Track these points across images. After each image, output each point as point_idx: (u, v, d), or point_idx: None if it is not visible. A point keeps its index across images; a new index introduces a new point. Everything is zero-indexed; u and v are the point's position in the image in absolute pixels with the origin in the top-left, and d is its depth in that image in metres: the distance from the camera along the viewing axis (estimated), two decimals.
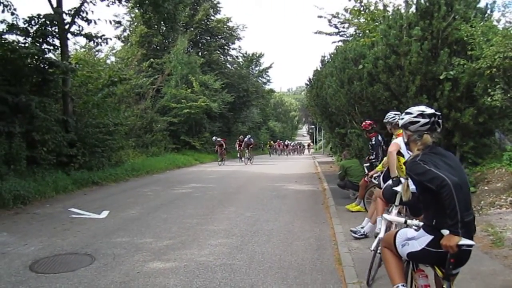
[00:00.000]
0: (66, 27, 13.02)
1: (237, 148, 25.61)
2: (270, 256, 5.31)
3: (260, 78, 45.91)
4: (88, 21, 12.76)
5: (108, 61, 23.00)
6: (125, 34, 33.37)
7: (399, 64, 8.03)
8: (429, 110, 2.79)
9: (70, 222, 7.23)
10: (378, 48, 8.32)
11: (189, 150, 27.30)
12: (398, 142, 4.98)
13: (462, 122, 7.75)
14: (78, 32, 13.08)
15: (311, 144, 63.74)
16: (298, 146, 58.16)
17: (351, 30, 15.48)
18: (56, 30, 12.67)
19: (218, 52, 36.78)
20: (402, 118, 2.90)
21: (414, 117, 2.78)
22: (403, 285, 2.92)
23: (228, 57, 39.20)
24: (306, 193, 10.97)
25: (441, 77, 7.57)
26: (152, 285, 4.29)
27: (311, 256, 5.34)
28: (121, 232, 6.54)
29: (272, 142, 48.49)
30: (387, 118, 6.02)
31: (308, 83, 18.98)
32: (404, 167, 4.60)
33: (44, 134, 11.09)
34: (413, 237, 2.75)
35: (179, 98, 27.10)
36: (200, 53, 34.66)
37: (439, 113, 2.80)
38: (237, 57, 40.59)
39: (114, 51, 30.13)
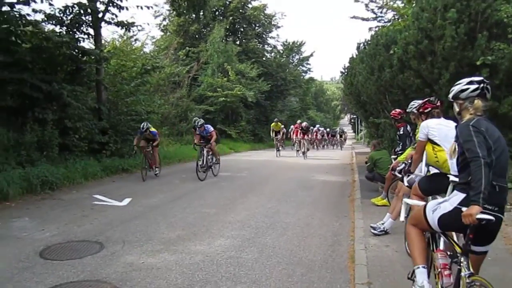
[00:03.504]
0: (100, 15, 13.16)
1: (193, 144, 12.12)
2: (281, 250, 5.11)
3: (300, 67, 45.31)
4: (120, 8, 12.84)
5: (147, 50, 23.36)
6: (165, 23, 33.79)
7: (432, 50, 7.47)
8: (478, 78, 2.95)
9: (91, 208, 7.32)
10: (409, 32, 7.78)
11: (225, 139, 27.36)
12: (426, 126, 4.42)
13: (501, 112, 7.14)
14: (111, 20, 13.19)
15: (346, 132, 45.13)
16: (338, 135, 37.21)
17: (389, 15, 14.77)
18: (90, 19, 12.83)
19: (256, 40, 36.37)
20: (452, 90, 3.02)
21: (464, 85, 2.92)
22: (424, 267, 2.97)
23: (266, 45, 38.73)
24: (334, 185, 10.62)
25: (478, 63, 6.99)
26: (153, 276, 4.20)
27: (324, 252, 5.08)
28: (137, 220, 6.53)
29: (279, 123, 22.14)
30: (410, 108, 5.62)
31: (343, 71, 18.39)
32: (439, 157, 4.19)
33: (76, 122, 11.31)
34: (445, 200, 2.83)
35: (215, 86, 27.15)
36: (237, 42, 34.47)
37: (488, 81, 2.96)
38: (275, 46, 40.04)
39: (154, 40, 30.84)
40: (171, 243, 5.33)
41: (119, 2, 12.90)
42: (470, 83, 2.91)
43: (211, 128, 11.93)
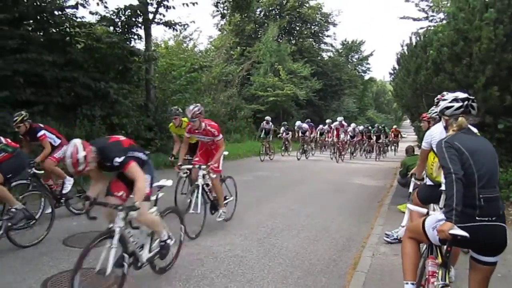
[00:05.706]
0: (151, 17, 13.78)
1: None
2: (287, 252, 5.16)
3: (359, 66, 44.42)
4: (167, 8, 13.38)
5: (202, 48, 24.04)
6: (222, 23, 34.55)
7: (469, 52, 7.10)
8: (462, 95, 2.98)
9: None
10: (444, 33, 7.43)
11: (275, 137, 27.44)
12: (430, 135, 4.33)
13: None
14: (159, 20, 13.75)
15: (401, 134, 30.05)
16: (375, 137, 21.45)
17: (442, 15, 14.13)
18: (140, 20, 13.47)
19: (311, 39, 36.12)
20: (439, 105, 3.09)
21: (449, 102, 2.98)
22: (413, 283, 2.95)
23: (322, 44, 38.32)
24: (370, 189, 10.38)
25: None
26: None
27: (329, 256, 5.06)
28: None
29: (185, 119, 7.37)
30: (429, 113, 5.43)
31: (391, 72, 17.67)
32: (433, 166, 4.14)
33: (123, 118, 11.98)
34: (443, 218, 2.71)
35: (266, 86, 27.32)
36: (293, 41, 34.43)
37: (473, 97, 2.98)
38: (332, 45, 39.53)
39: (211, 40, 31.66)
40: (184, 238, 5.54)
41: (166, 3, 13.43)
42: (455, 100, 2.95)
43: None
